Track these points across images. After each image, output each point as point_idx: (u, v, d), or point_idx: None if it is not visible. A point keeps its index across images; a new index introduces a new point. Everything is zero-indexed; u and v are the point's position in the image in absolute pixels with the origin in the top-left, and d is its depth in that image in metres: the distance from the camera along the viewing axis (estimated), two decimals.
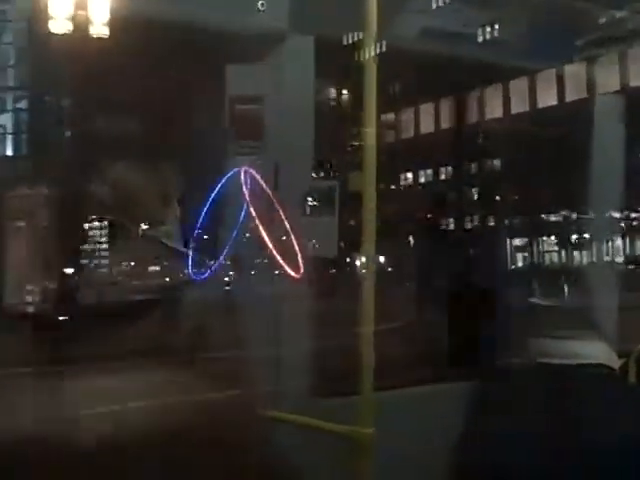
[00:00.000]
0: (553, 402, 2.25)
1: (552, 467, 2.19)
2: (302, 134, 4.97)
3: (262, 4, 4.76)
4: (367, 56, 3.21)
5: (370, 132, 3.24)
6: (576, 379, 2.42)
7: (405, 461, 3.41)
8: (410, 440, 3.46)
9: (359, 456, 3.14)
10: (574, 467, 2.19)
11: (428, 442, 3.28)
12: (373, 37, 3.18)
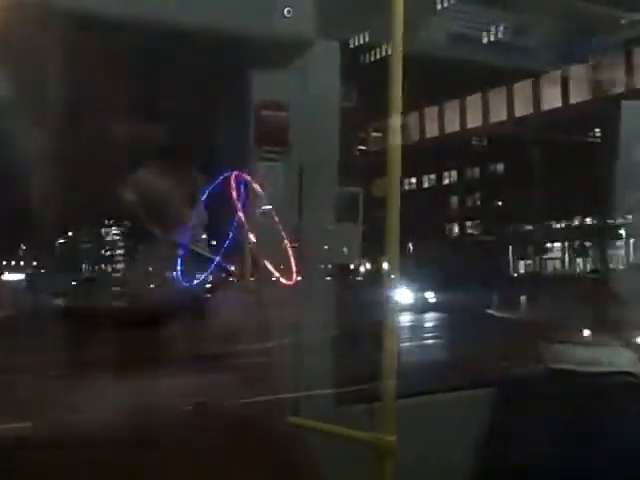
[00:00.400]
0: (575, 409, 2.23)
1: (575, 475, 2.16)
2: (327, 140, 4.96)
3: (289, 10, 4.77)
4: (393, 60, 3.20)
5: (394, 136, 3.22)
6: (600, 387, 2.39)
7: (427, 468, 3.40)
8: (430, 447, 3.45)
9: (381, 463, 3.12)
10: (597, 475, 2.17)
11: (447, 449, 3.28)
12: (400, 41, 3.17)
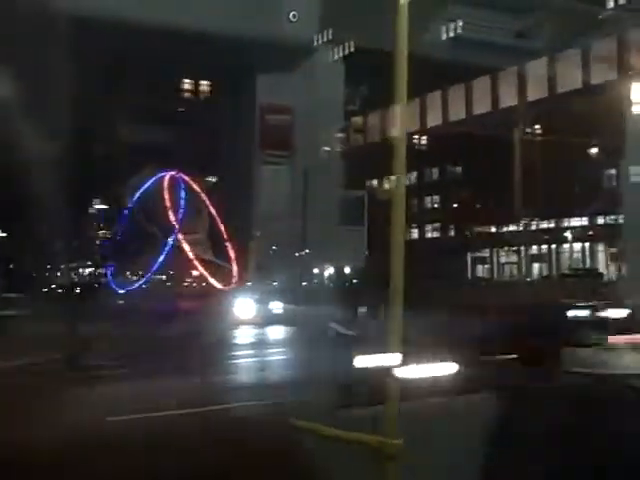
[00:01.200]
0: (591, 411, 2.25)
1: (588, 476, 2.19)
2: (332, 143, 4.98)
3: (294, 15, 4.82)
4: (398, 62, 3.24)
5: (399, 140, 3.26)
6: (621, 389, 2.42)
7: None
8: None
9: (387, 466, 3.15)
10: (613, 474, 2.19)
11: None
12: (404, 42, 3.21)
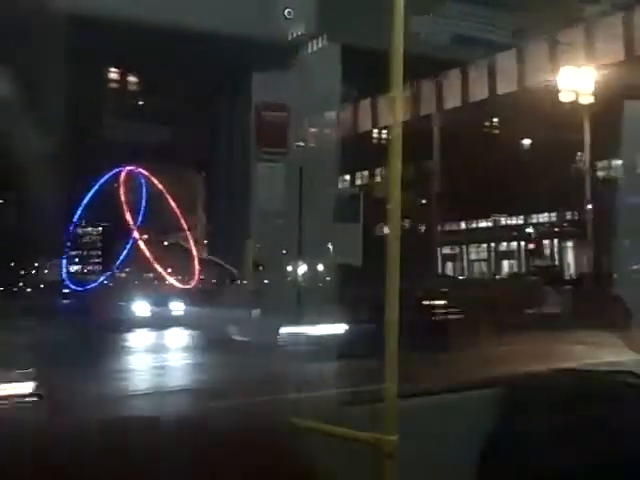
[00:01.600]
0: (578, 407, 2.23)
1: (576, 470, 2.17)
2: (328, 140, 4.95)
3: (289, 12, 4.79)
4: (394, 59, 3.21)
5: (396, 136, 3.23)
6: (603, 385, 2.40)
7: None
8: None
9: (383, 463, 3.13)
10: (598, 471, 2.17)
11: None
12: (400, 38, 3.18)
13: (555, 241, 40.28)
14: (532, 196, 35.71)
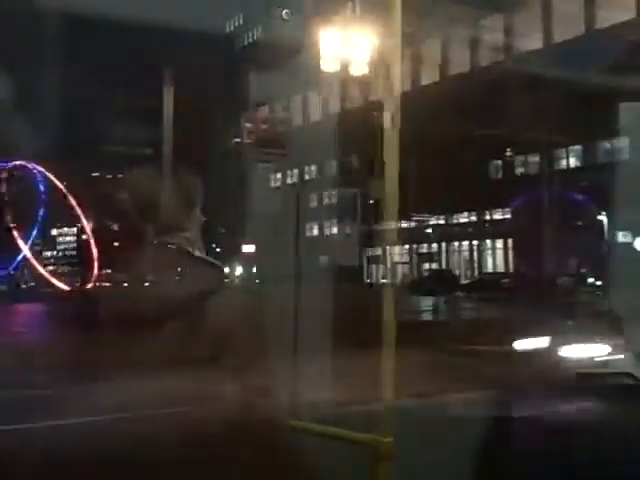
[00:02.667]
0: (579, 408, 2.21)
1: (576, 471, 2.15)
2: (325, 142, 4.93)
3: (286, 13, 4.77)
4: (393, 61, 3.19)
5: (392, 136, 3.21)
6: (603, 386, 2.38)
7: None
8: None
9: (379, 465, 3.11)
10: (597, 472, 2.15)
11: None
12: (399, 33, 3.16)
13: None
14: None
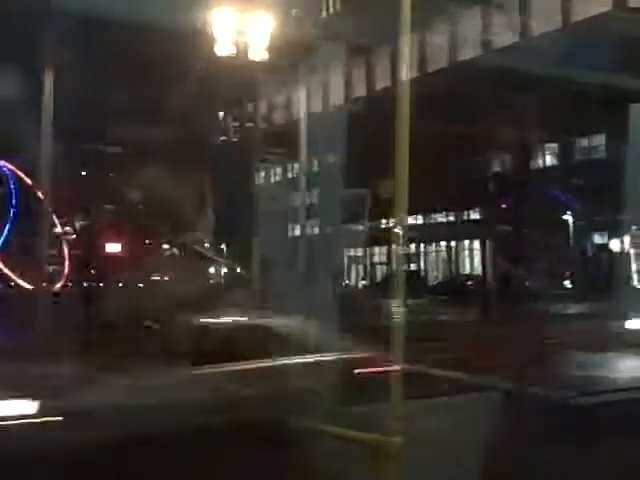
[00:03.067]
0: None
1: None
2: (335, 141, 4.95)
3: (296, 12, 4.78)
4: (402, 59, 3.19)
5: (402, 137, 3.22)
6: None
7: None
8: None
9: (387, 464, 3.11)
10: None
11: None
12: (408, 35, 3.17)
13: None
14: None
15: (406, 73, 3.39)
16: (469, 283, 31.51)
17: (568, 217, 30.54)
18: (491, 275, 30.67)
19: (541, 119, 28.11)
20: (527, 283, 28.42)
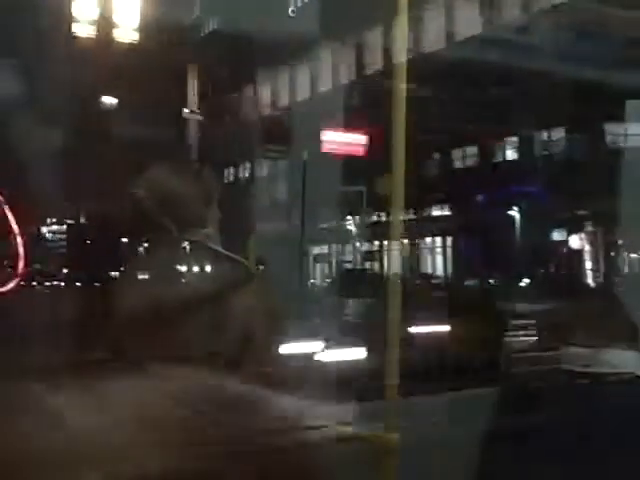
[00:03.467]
0: (583, 408, 2.21)
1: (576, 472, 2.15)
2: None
3: (293, 10, 4.77)
4: (398, 56, 3.19)
5: (399, 131, 3.21)
6: (608, 386, 2.38)
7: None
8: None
9: (383, 461, 3.11)
10: (600, 471, 2.16)
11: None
12: (404, 38, 3.17)
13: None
14: None
15: (402, 73, 3.35)
16: (417, 282, 30.61)
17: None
18: (445, 273, 30.36)
19: (501, 113, 27.50)
20: (472, 282, 27.95)
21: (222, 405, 2.07)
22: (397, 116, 3.26)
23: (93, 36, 16.48)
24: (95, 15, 15.31)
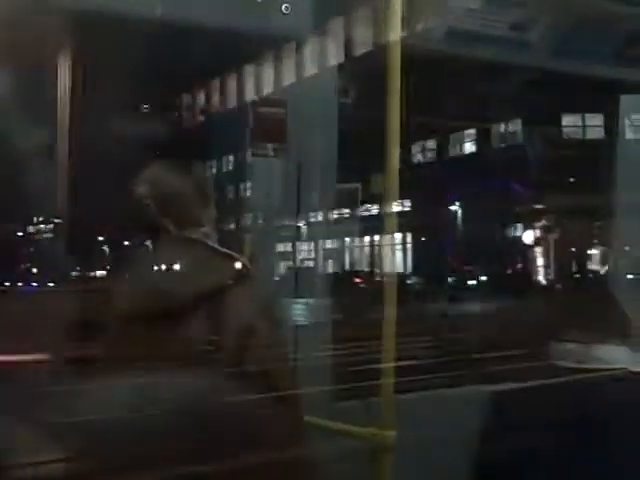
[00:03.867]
0: (574, 406, 2.23)
1: (572, 472, 2.17)
2: (326, 136, 4.97)
3: (286, 7, 4.81)
4: (391, 53, 3.20)
5: (393, 130, 3.22)
6: (599, 383, 2.39)
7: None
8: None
9: (380, 459, 3.12)
10: (596, 472, 2.17)
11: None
12: (398, 36, 3.18)
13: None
14: None
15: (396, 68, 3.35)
16: (357, 280, 29.98)
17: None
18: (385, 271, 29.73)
19: (457, 106, 27.04)
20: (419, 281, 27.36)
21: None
22: (391, 101, 3.27)
23: None
24: None
